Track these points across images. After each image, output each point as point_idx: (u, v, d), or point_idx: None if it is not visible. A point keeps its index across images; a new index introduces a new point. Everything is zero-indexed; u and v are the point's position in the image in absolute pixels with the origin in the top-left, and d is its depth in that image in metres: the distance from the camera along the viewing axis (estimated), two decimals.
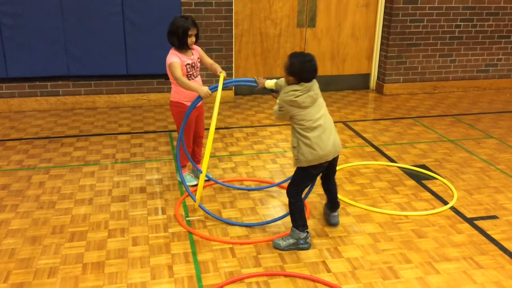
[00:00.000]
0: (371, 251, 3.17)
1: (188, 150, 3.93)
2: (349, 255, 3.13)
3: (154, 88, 6.15)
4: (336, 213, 3.45)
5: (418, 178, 4.25)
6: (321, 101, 3.11)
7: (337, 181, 4.01)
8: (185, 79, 3.60)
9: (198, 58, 3.83)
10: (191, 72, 3.73)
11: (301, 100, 2.95)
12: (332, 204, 3.42)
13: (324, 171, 3.23)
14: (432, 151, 4.84)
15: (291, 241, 3.14)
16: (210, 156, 4.60)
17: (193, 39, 3.68)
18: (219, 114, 5.86)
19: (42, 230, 3.34)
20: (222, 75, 3.65)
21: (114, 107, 6.05)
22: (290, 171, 4.31)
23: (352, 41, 6.87)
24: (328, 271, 2.96)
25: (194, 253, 3.10)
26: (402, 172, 4.37)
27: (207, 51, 6.09)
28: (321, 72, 6.87)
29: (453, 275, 2.95)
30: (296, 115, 2.99)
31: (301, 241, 3.14)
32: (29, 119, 5.59)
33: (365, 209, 3.69)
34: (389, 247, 3.22)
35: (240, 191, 3.95)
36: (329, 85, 6.97)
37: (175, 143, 4.89)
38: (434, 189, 4.05)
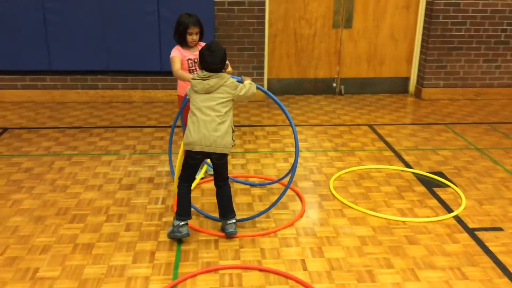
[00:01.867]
0: (355, 254, 3.13)
1: None
2: (331, 255, 3.10)
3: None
4: (230, 221, 3.26)
5: (430, 185, 4.12)
6: (216, 96, 3.04)
7: (344, 183, 4.00)
8: (180, 71, 3.70)
9: None
10: (193, 68, 3.83)
11: (193, 83, 3.06)
12: (221, 211, 3.31)
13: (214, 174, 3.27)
14: (454, 159, 4.65)
15: (171, 228, 3.22)
16: None
17: (194, 37, 3.79)
18: (246, 112, 5.97)
19: (48, 211, 3.58)
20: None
21: (148, 101, 6.30)
22: (299, 170, 4.31)
23: (391, 43, 6.71)
24: (305, 269, 2.96)
25: (180, 242, 3.21)
26: (415, 178, 4.24)
27: (238, 50, 6.23)
28: (357, 74, 6.79)
29: (433, 283, 2.85)
30: (190, 95, 3.12)
31: (175, 229, 3.16)
32: (67, 109, 5.96)
33: (362, 212, 3.64)
34: (374, 251, 3.16)
35: (243, 186, 4.01)
36: (365, 87, 6.86)
37: None
38: (443, 197, 3.91)
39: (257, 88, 3.30)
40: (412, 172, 4.34)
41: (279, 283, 2.83)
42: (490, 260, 3.09)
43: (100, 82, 6.24)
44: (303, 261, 3.04)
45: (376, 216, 3.58)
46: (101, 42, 6.00)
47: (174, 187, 3.42)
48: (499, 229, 3.45)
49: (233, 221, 3.27)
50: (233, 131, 3.14)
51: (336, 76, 6.78)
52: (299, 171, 4.32)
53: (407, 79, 6.89)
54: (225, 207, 3.28)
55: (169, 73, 6.27)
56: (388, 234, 3.37)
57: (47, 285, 2.78)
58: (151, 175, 4.21)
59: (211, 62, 3.04)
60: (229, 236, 3.25)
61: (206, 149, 3.05)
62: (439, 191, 4.00)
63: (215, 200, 3.35)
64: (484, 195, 3.95)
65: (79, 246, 3.16)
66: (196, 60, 3.84)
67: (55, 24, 5.90)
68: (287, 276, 2.88)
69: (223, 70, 3.14)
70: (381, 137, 5.19)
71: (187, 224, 3.20)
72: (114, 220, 3.47)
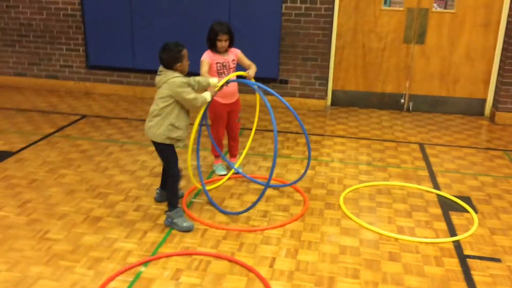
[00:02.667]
0: (327, 260, 3.19)
1: (218, 143, 4.35)
2: (303, 258, 3.20)
3: (253, 89, 6.66)
4: (167, 212, 3.55)
5: (448, 208, 3.96)
6: (159, 91, 3.45)
7: (358, 195, 4.11)
8: (204, 73, 4.01)
9: (233, 60, 4.22)
10: (221, 71, 4.14)
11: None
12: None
13: None
14: (492, 186, 4.38)
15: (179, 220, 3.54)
16: (256, 154, 4.95)
17: (223, 43, 4.09)
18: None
19: (81, 186, 4.14)
20: (243, 73, 3.98)
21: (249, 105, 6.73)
22: (320, 178, 4.41)
23: (466, 62, 6.40)
24: (271, 266, 3.10)
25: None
26: (437, 200, 4.10)
27: (302, 60, 6.42)
28: (427, 91, 6.59)
29: None
30: None
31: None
32: (143, 104, 6.63)
33: (359, 224, 3.65)
34: (348, 261, 3.19)
35: (257, 186, 4.22)
36: (437, 106, 6.61)
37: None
38: (455, 221, 3.75)
39: (259, 87, 3.57)
40: (437, 194, 4.19)
41: (240, 275, 3.02)
42: (464, 286, 2.96)
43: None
44: (273, 259, 3.18)
45: (370, 230, 3.58)
46: None
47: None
48: (497, 260, 3.25)
49: (169, 213, 3.53)
50: (174, 128, 3.45)
51: (405, 92, 6.63)
52: (319, 179, 4.41)
53: (483, 101, 6.51)
54: (167, 197, 3.61)
55: (238, 77, 6.70)
56: (373, 247, 3.36)
57: (48, 245, 3.27)
58: (181, 167, 4.59)
59: (159, 57, 3.46)
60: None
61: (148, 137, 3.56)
62: (454, 215, 3.84)
63: (223, 195, 3.62)
64: (502, 225, 3.71)
65: (89, 218, 3.64)
66: (225, 64, 4.16)
67: (140, 27, 6.62)
68: (249, 269, 3.05)
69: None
70: (425, 157, 5.04)
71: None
72: (129, 201, 3.91)
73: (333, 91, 6.79)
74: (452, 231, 3.60)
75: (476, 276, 3.07)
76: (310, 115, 6.39)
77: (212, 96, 3.67)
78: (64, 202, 3.86)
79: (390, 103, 6.72)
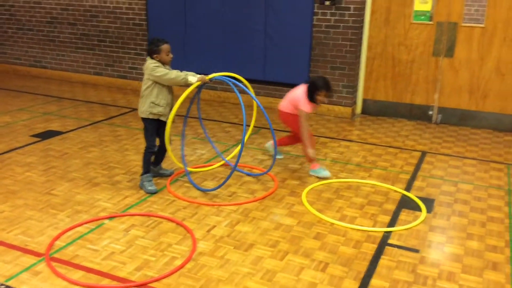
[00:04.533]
0: (258, 232, 3.67)
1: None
2: (238, 228, 3.73)
3: (284, 95, 7.19)
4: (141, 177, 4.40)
5: (403, 205, 4.20)
6: (144, 77, 4.25)
7: (326, 188, 4.50)
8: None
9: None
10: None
11: None
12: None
13: None
14: (465, 193, 4.49)
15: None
16: (256, 148, 5.50)
17: (324, 99, 4.66)
18: (331, 126, 6.54)
19: (98, 160, 5.03)
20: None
21: (250, 105, 7.38)
22: (301, 172, 4.85)
23: (497, 77, 6.35)
24: (208, 231, 3.67)
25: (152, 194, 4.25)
26: (398, 198, 4.34)
27: (331, 69, 6.84)
28: (456, 104, 6.63)
29: (290, 264, 3.25)
30: None
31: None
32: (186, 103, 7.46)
33: (308, 210, 4.06)
34: (275, 234, 3.65)
35: (241, 174, 4.78)
36: (467, 119, 6.61)
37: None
38: (402, 217, 4.00)
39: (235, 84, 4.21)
40: (402, 194, 4.42)
41: (178, 234, 3.63)
42: (366, 265, 3.27)
43: (218, 85, 7.61)
44: (213, 227, 3.75)
45: (312, 214, 3.97)
46: (221, 51, 7.36)
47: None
48: (416, 250, 3.49)
49: (141, 176, 4.39)
50: (155, 105, 4.20)
51: (433, 104, 6.72)
52: (301, 173, 4.85)
53: None
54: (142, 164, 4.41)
55: (270, 82, 7.29)
56: (305, 228, 3.77)
57: (48, 198, 4.17)
58: (209, 158, 5.31)
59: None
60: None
61: None
62: (405, 212, 4.08)
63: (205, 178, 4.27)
64: (446, 225, 3.88)
65: (90, 183, 4.49)
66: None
67: (192, 36, 7.51)
68: (187, 230, 3.65)
69: None
70: (419, 163, 5.21)
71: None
72: (128, 174, 4.71)
73: (363, 100, 7.09)
74: (392, 225, 3.87)
75: (383, 260, 3.37)
76: (334, 121, 6.76)
77: (199, 82, 4.24)
78: (78, 171, 4.76)
79: (418, 114, 6.85)
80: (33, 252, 3.36)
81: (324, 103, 4.76)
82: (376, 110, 7.07)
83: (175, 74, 4.18)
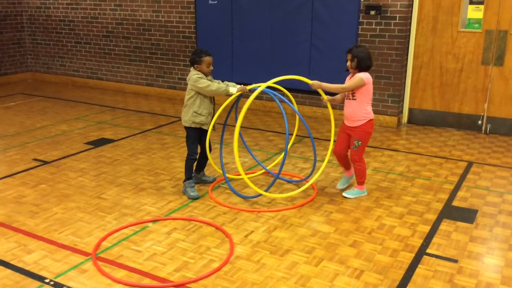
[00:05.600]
0: (295, 238, 3.74)
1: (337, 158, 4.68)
2: (275, 234, 3.81)
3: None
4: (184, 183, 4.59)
5: (449, 216, 4.13)
6: (188, 87, 4.47)
7: (367, 199, 4.42)
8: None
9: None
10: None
11: None
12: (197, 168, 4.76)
13: None
14: (510, 204, 4.38)
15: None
16: (298, 157, 5.56)
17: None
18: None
19: (145, 167, 5.25)
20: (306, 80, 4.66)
21: (295, 114, 7.45)
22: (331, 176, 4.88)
23: None
24: (246, 236, 3.77)
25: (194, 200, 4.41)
26: (445, 209, 4.28)
27: (376, 78, 6.83)
28: (507, 114, 6.45)
29: (324, 271, 3.29)
30: None
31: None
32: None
33: (344, 215, 4.08)
34: (312, 241, 3.70)
35: (282, 182, 4.86)
36: None
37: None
38: (442, 227, 3.94)
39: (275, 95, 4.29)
40: (445, 205, 4.36)
41: (217, 238, 3.76)
42: (401, 274, 3.26)
43: (263, 94, 7.72)
44: (251, 232, 3.85)
45: (349, 222, 3.99)
46: (266, 61, 7.49)
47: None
48: (454, 260, 3.44)
49: (184, 182, 4.56)
50: (197, 114, 4.37)
51: (482, 114, 6.55)
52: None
53: None
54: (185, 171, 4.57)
55: (315, 92, 7.32)
56: (342, 235, 3.80)
57: (97, 201, 4.42)
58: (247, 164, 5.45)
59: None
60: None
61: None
62: (446, 223, 4.02)
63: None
64: (489, 235, 3.79)
65: (137, 188, 4.70)
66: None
67: (238, 48, 7.69)
68: (226, 234, 3.77)
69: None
70: (464, 174, 5.10)
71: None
72: (172, 180, 4.90)
73: (410, 109, 7.01)
74: (431, 235, 3.82)
75: (419, 269, 3.35)
76: (379, 130, 6.72)
77: (240, 92, 4.40)
78: (126, 176, 5.00)
79: (467, 124, 6.69)
80: (81, 251, 3.57)
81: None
82: (422, 119, 6.97)
83: (216, 86, 4.34)
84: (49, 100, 8.41)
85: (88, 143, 6.09)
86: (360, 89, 4.28)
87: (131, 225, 3.96)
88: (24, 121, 7.12)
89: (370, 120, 4.37)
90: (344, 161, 4.63)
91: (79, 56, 9.57)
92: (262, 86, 4.46)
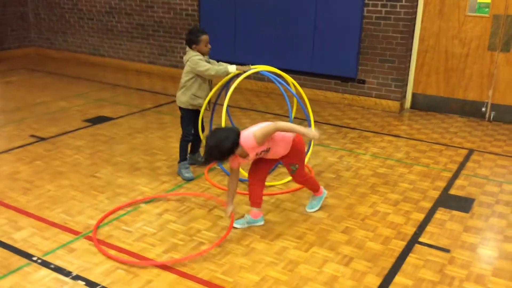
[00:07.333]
0: (286, 222, 3.70)
1: None
2: (268, 218, 3.77)
3: (331, 87, 7.14)
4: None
5: (444, 205, 4.08)
6: (185, 68, 4.37)
7: (363, 184, 4.37)
8: None
9: None
10: None
11: None
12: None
13: None
14: (510, 194, 4.30)
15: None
16: None
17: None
18: (382, 121, 6.44)
19: (142, 146, 5.22)
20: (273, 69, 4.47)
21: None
22: (338, 165, 4.82)
23: None
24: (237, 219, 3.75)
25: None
26: (441, 197, 4.23)
27: (380, 61, 6.71)
28: (511, 101, 6.31)
29: (313, 257, 3.26)
30: None
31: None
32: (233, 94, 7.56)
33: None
34: (301, 226, 3.66)
35: (279, 167, 4.80)
36: None
37: None
38: (437, 216, 3.89)
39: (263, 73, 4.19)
40: (442, 192, 4.30)
41: (208, 220, 3.73)
42: (392, 262, 3.23)
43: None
44: (242, 216, 3.81)
45: (343, 208, 3.95)
46: (270, 42, 7.37)
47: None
48: (447, 250, 3.40)
49: (178, 163, 4.51)
50: (196, 97, 4.31)
51: (487, 101, 6.44)
52: (338, 166, 4.81)
53: None
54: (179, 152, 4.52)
55: (317, 74, 7.23)
56: (334, 220, 3.76)
57: (91, 180, 4.39)
58: None
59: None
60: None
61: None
62: (441, 211, 3.96)
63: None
64: (484, 225, 3.74)
65: (132, 167, 4.67)
66: None
67: (241, 26, 7.57)
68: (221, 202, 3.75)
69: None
70: (464, 162, 5.03)
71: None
72: (168, 160, 4.87)
73: (413, 94, 6.90)
74: (425, 223, 3.78)
75: (410, 258, 3.31)
76: (381, 115, 6.63)
77: (239, 71, 4.24)
78: (122, 155, 4.97)
79: (471, 110, 6.58)
80: (71, 230, 3.56)
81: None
82: (426, 105, 6.86)
83: (216, 69, 4.23)
84: (51, 76, 8.37)
85: (86, 120, 6.05)
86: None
87: (124, 206, 3.93)
88: (25, 96, 7.09)
89: (294, 139, 3.58)
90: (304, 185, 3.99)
91: (81, 32, 9.48)
92: (258, 68, 4.37)
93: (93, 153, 5.00)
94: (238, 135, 3.25)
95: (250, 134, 3.28)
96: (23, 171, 4.55)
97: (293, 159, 3.63)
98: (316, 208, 3.92)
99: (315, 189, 3.90)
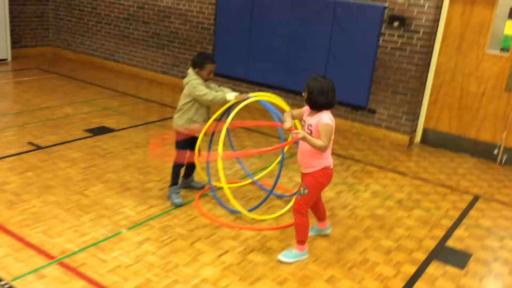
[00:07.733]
0: (269, 263, 3.55)
1: None
2: (251, 257, 3.62)
3: (341, 114, 6.96)
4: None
5: (440, 257, 3.88)
6: (184, 90, 4.23)
7: (358, 226, 4.24)
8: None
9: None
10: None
11: None
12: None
13: None
14: (507, 250, 4.08)
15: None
16: (296, 169, 5.34)
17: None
18: (387, 154, 6.25)
19: (137, 164, 5.13)
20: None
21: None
22: (334, 202, 4.65)
23: None
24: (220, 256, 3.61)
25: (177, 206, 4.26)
26: (438, 248, 4.03)
27: (392, 93, 6.53)
28: None
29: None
30: None
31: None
32: (243, 113, 7.44)
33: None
34: (284, 269, 3.50)
35: (273, 198, 4.66)
36: None
37: None
38: (430, 270, 3.69)
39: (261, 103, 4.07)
40: (439, 243, 4.09)
41: (187, 253, 3.60)
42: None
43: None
44: (225, 252, 3.67)
45: (331, 253, 3.78)
46: (283, 62, 7.24)
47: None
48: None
49: (169, 188, 4.42)
50: (192, 121, 4.19)
51: (500, 143, 6.19)
52: (333, 203, 4.64)
53: None
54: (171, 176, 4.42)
55: None
56: (319, 266, 3.59)
57: (78, 198, 4.30)
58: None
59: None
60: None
61: None
62: (435, 264, 3.76)
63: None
64: (477, 286, 3.52)
65: (122, 187, 4.57)
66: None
67: (256, 45, 7.46)
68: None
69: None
70: (467, 209, 4.81)
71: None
72: (161, 182, 4.74)
73: (424, 129, 6.69)
74: (416, 277, 3.58)
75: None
76: (389, 147, 6.43)
77: (238, 100, 4.13)
78: (115, 172, 4.88)
79: (482, 151, 6.34)
80: (46, 253, 3.46)
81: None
82: (436, 141, 6.64)
83: (213, 95, 4.11)
84: (62, 79, 8.36)
85: (87, 130, 5.99)
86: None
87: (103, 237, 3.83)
88: (31, 99, 7.07)
89: (325, 168, 3.53)
90: (314, 209, 3.90)
91: (98, 36, 9.48)
92: (258, 96, 4.24)
93: (87, 168, 4.92)
94: (332, 105, 3.55)
95: (328, 118, 3.47)
96: (12, 182, 4.48)
97: (310, 182, 3.54)
98: (288, 261, 3.59)
99: (301, 239, 3.63)
